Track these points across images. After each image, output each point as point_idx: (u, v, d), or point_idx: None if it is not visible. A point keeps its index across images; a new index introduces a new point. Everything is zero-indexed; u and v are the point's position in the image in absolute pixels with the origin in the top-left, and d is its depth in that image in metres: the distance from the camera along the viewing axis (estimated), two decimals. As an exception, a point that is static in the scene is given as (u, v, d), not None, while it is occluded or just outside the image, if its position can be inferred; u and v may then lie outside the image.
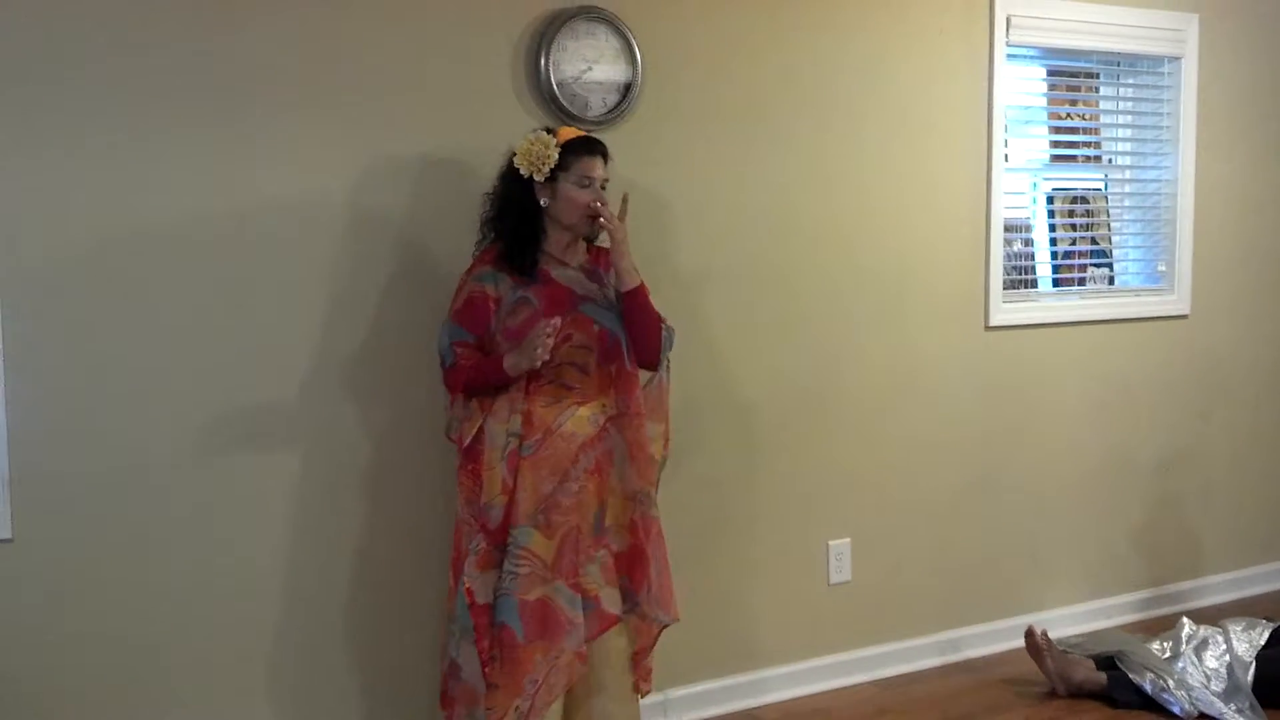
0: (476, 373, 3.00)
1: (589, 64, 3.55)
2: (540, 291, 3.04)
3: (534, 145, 3.02)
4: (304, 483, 3.31)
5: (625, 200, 3.14)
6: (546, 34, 3.48)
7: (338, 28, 3.26)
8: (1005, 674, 4.22)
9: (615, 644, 3.15)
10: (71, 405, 3.03)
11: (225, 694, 3.25)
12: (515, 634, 2.97)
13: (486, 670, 2.97)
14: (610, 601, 3.09)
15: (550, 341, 2.90)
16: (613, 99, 3.59)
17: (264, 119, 3.18)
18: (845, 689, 4.12)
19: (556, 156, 3.01)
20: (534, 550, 3.00)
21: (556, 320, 2.94)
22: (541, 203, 3.06)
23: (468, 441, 3.03)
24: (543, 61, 3.48)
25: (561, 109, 3.50)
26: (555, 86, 3.49)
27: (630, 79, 3.60)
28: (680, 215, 3.76)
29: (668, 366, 3.26)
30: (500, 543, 3.00)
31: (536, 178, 3.03)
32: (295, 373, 3.28)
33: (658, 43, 3.66)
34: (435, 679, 3.21)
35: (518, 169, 3.04)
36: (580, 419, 3.07)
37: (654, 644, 3.20)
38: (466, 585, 2.98)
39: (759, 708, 3.97)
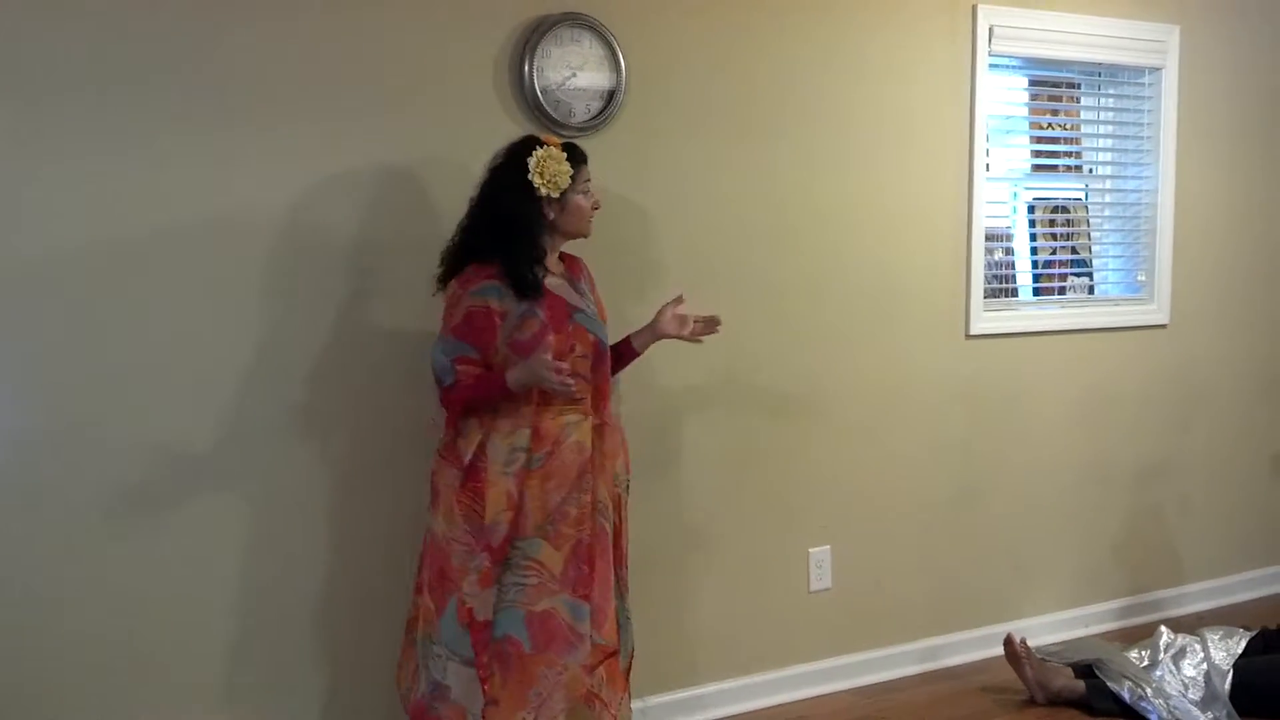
0: (477, 390, 2.96)
1: (573, 70, 3.55)
2: (543, 304, 3.02)
3: (548, 163, 2.99)
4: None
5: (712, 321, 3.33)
6: (530, 40, 3.48)
7: (320, 35, 3.25)
8: (984, 682, 4.23)
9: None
10: (51, 410, 3.02)
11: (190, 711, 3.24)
12: (522, 645, 2.92)
13: (486, 687, 2.91)
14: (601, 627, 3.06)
15: (570, 382, 2.89)
16: (596, 106, 3.59)
17: (240, 129, 3.17)
18: (824, 696, 4.12)
19: (571, 170, 3.01)
20: (543, 561, 2.96)
21: (566, 366, 2.91)
22: (549, 216, 3.05)
23: (468, 459, 2.98)
24: (526, 68, 3.48)
25: (545, 115, 3.50)
26: (539, 93, 3.49)
27: (614, 86, 3.60)
28: (663, 222, 3.76)
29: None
30: (501, 558, 2.95)
31: (554, 194, 3.01)
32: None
33: (642, 50, 3.66)
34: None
35: (530, 187, 2.98)
36: (584, 429, 3.06)
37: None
38: (468, 605, 2.92)
39: (738, 715, 3.97)
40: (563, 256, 3.21)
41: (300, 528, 3.32)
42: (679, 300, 3.31)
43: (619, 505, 3.19)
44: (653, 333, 3.29)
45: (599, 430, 3.11)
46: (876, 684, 4.22)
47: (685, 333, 3.29)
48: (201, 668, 3.24)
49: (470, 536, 2.95)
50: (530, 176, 2.98)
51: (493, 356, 2.98)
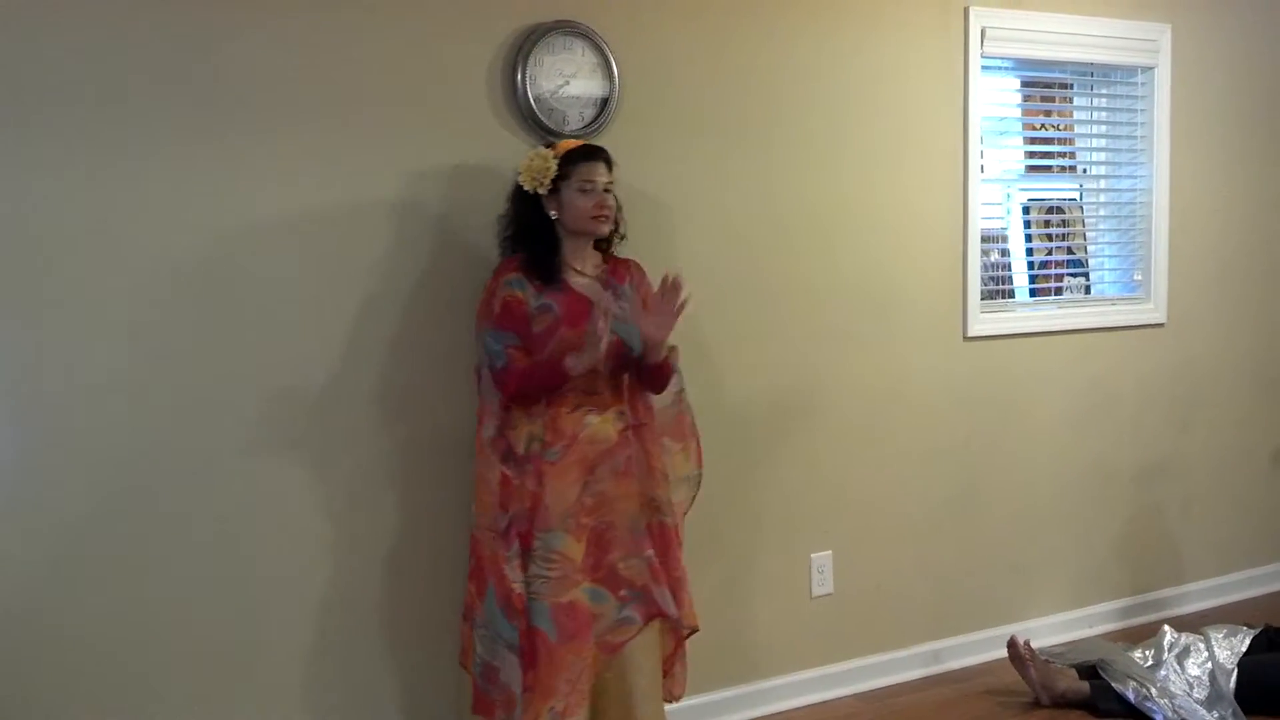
0: (532, 372, 3.07)
1: (566, 78, 3.54)
2: (561, 299, 3.13)
3: (533, 161, 3.14)
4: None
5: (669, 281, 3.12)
6: (523, 48, 3.47)
7: (313, 45, 3.24)
8: (988, 684, 4.22)
9: (647, 649, 3.20)
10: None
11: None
12: (548, 635, 3.03)
13: (527, 675, 3.04)
14: (662, 597, 3.17)
15: (605, 324, 2.97)
16: (590, 113, 3.59)
17: (242, 137, 3.16)
18: (828, 702, 4.11)
19: (555, 167, 3.12)
20: (566, 553, 3.07)
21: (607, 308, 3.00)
22: (551, 214, 3.16)
23: (521, 450, 3.09)
24: (519, 76, 3.47)
25: (539, 123, 3.50)
26: (532, 101, 3.48)
27: (607, 93, 3.60)
28: (659, 229, 3.75)
29: (682, 390, 3.39)
30: (527, 548, 3.07)
31: (540, 191, 3.13)
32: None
33: (635, 57, 3.66)
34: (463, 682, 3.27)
35: (524, 187, 3.15)
36: (602, 424, 3.15)
37: (678, 649, 3.31)
38: (518, 591, 3.04)
39: (742, 722, 3.97)
40: (609, 259, 3.31)
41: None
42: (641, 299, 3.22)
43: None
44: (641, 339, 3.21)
45: (637, 430, 3.23)
46: (880, 689, 4.21)
47: (659, 328, 3.13)
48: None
49: (508, 524, 3.08)
50: (519, 175, 3.15)
51: (529, 342, 3.10)
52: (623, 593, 3.14)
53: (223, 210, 3.16)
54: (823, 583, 4.13)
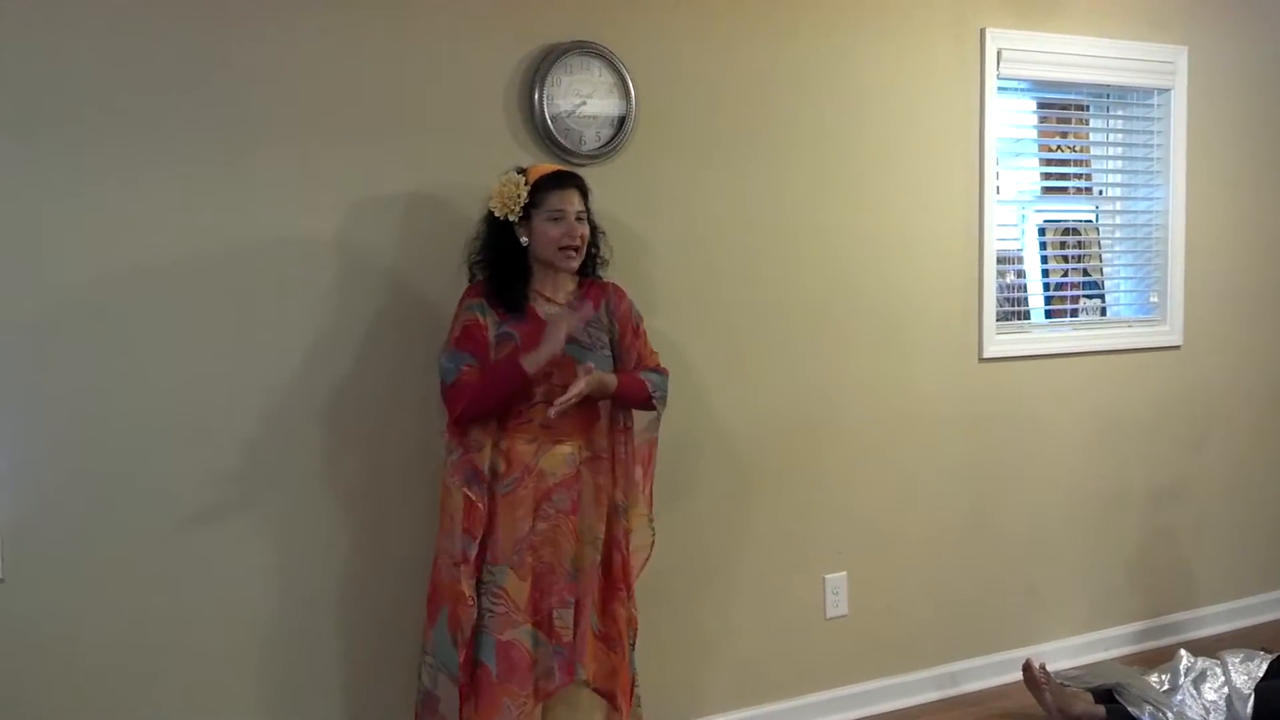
0: (485, 381, 2.98)
1: (583, 98, 3.55)
2: (523, 328, 3.06)
3: (505, 187, 3.07)
4: (290, 514, 3.30)
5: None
6: (540, 69, 3.48)
7: (330, 66, 3.26)
8: (1004, 708, 4.20)
9: (585, 695, 3.15)
10: (61, 443, 3.02)
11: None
12: (491, 672, 3.00)
13: (463, 707, 2.99)
14: (576, 661, 3.08)
15: (577, 321, 2.98)
16: (607, 133, 3.59)
17: (255, 157, 3.18)
18: (842, 724, 4.10)
19: (526, 195, 3.05)
20: (509, 591, 3.03)
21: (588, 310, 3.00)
22: (523, 241, 3.10)
23: (485, 470, 3.02)
24: (536, 96, 3.48)
25: (555, 144, 3.51)
26: (549, 121, 3.49)
27: (624, 113, 3.61)
28: (674, 248, 3.76)
29: (657, 419, 3.31)
30: (475, 578, 3.02)
31: (511, 218, 3.07)
32: (281, 407, 3.26)
33: (651, 77, 3.66)
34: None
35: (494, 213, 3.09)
36: (557, 457, 3.09)
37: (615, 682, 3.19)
38: (461, 619, 2.98)
39: (755, 744, 3.95)
40: (583, 285, 3.22)
41: (325, 545, 3.35)
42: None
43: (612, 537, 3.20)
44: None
45: (592, 463, 3.16)
46: (895, 711, 4.19)
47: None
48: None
49: (459, 551, 3.00)
50: (490, 200, 3.09)
51: (486, 365, 3.03)
52: (553, 642, 3.07)
53: (234, 224, 3.16)
54: (837, 604, 4.12)
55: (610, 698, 3.17)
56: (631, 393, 3.17)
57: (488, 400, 2.99)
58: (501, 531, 3.02)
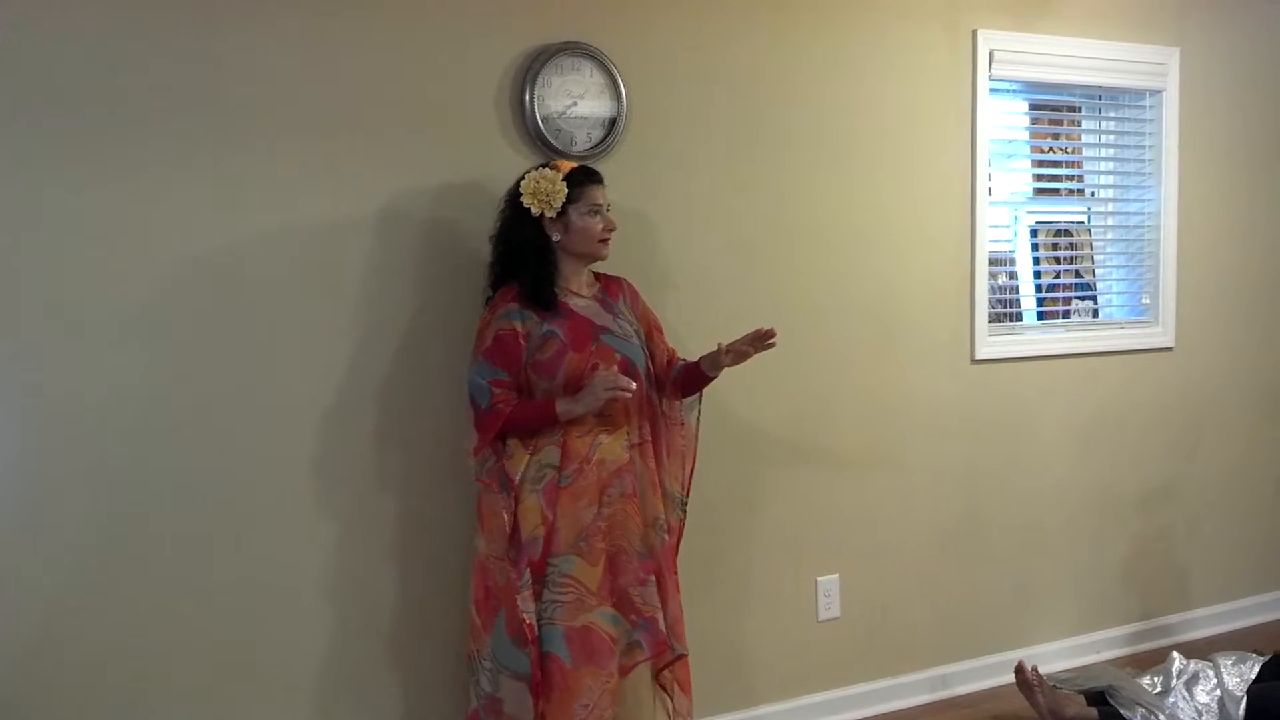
0: (517, 415, 3.03)
1: (574, 99, 3.54)
2: (564, 324, 3.09)
3: (541, 182, 3.06)
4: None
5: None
6: (531, 70, 3.47)
7: (321, 66, 3.25)
8: (995, 710, 4.20)
9: (644, 676, 3.18)
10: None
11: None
12: (563, 661, 3.00)
13: (538, 704, 2.99)
14: (668, 632, 3.15)
15: (632, 385, 2.99)
16: (598, 134, 3.58)
17: (247, 157, 3.17)
18: (835, 727, 4.09)
19: (566, 190, 3.05)
20: (578, 577, 3.04)
21: (626, 379, 2.99)
22: (554, 238, 3.11)
23: (517, 478, 3.03)
24: (527, 97, 3.47)
25: (547, 144, 3.50)
26: (540, 122, 3.48)
27: (615, 114, 3.60)
28: (666, 250, 3.75)
29: (699, 412, 3.42)
30: (540, 575, 3.02)
31: (548, 214, 3.07)
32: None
33: (642, 78, 3.66)
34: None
35: (526, 209, 3.07)
36: (610, 446, 3.12)
37: (666, 668, 3.23)
38: (528, 620, 2.98)
39: (748, 747, 3.93)
40: (601, 278, 3.28)
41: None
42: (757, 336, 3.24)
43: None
44: (713, 360, 3.26)
45: (640, 448, 3.20)
46: (888, 714, 4.19)
47: (734, 360, 3.24)
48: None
49: (514, 554, 3.02)
50: (523, 197, 3.06)
51: (521, 377, 3.06)
52: (633, 618, 3.11)
53: (224, 223, 3.16)
54: (829, 606, 4.11)
55: (684, 685, 3.27)
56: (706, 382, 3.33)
57: (518, 432, 3.05)
58: (564, 522, 3.04)
